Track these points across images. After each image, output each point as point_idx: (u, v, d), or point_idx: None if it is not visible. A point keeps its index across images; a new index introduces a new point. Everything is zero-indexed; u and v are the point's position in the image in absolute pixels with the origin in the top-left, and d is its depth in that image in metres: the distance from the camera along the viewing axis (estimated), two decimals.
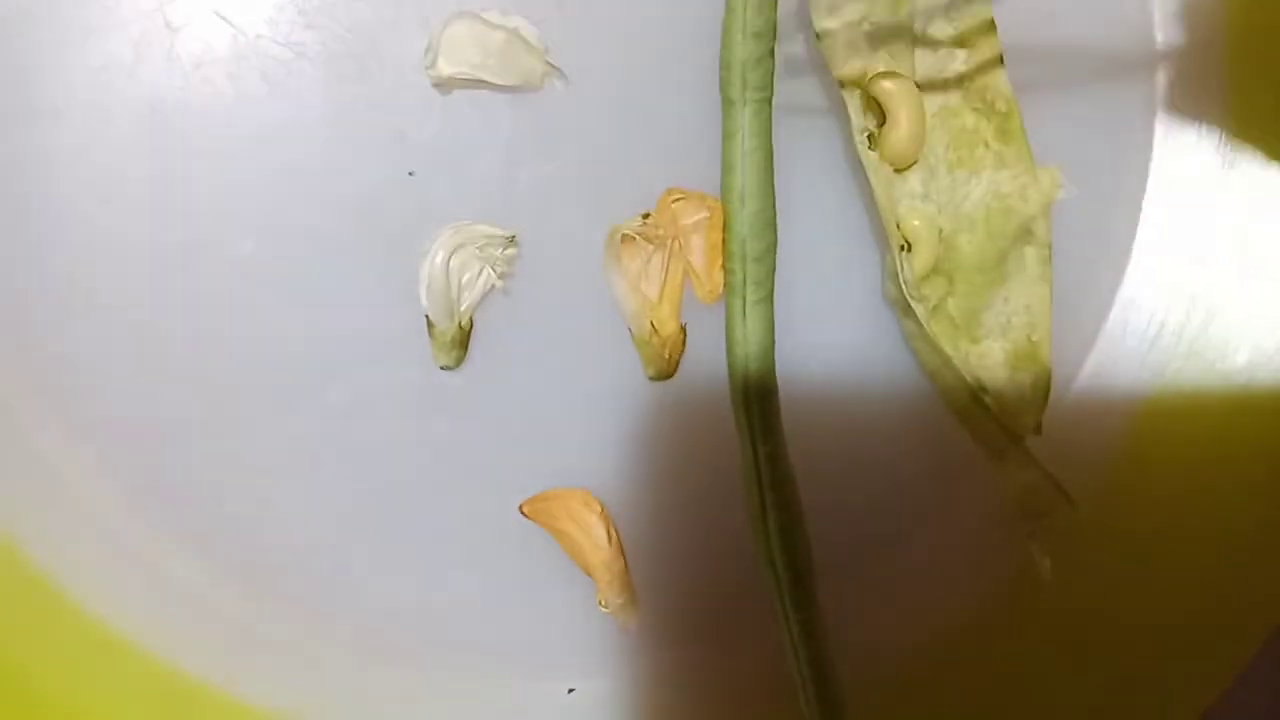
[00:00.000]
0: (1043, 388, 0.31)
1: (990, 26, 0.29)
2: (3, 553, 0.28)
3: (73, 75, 0.28)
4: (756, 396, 0.29)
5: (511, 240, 0.29)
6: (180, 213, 0.28)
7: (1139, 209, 0.32)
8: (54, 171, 0.28)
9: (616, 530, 0.30)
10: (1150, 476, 0.31)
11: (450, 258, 0.28)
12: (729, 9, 0.28)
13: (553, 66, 0.29)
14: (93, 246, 0.28)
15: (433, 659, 0.30)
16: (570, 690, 0.30)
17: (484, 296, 0.29)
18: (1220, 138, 0.31)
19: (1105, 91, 0.31)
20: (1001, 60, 0.29)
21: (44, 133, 0.28)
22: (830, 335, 0.31)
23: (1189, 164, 0.32)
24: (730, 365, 0.30)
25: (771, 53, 0.29)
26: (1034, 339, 0.30)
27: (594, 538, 0.29)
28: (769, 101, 0.29)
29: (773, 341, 0.30)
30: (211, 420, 0.29)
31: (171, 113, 0.28)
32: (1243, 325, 0.31)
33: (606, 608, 0.30)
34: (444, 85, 0.29)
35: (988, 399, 0.30)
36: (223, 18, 0.28)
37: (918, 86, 0.29)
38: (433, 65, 0.28)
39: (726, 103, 0.29)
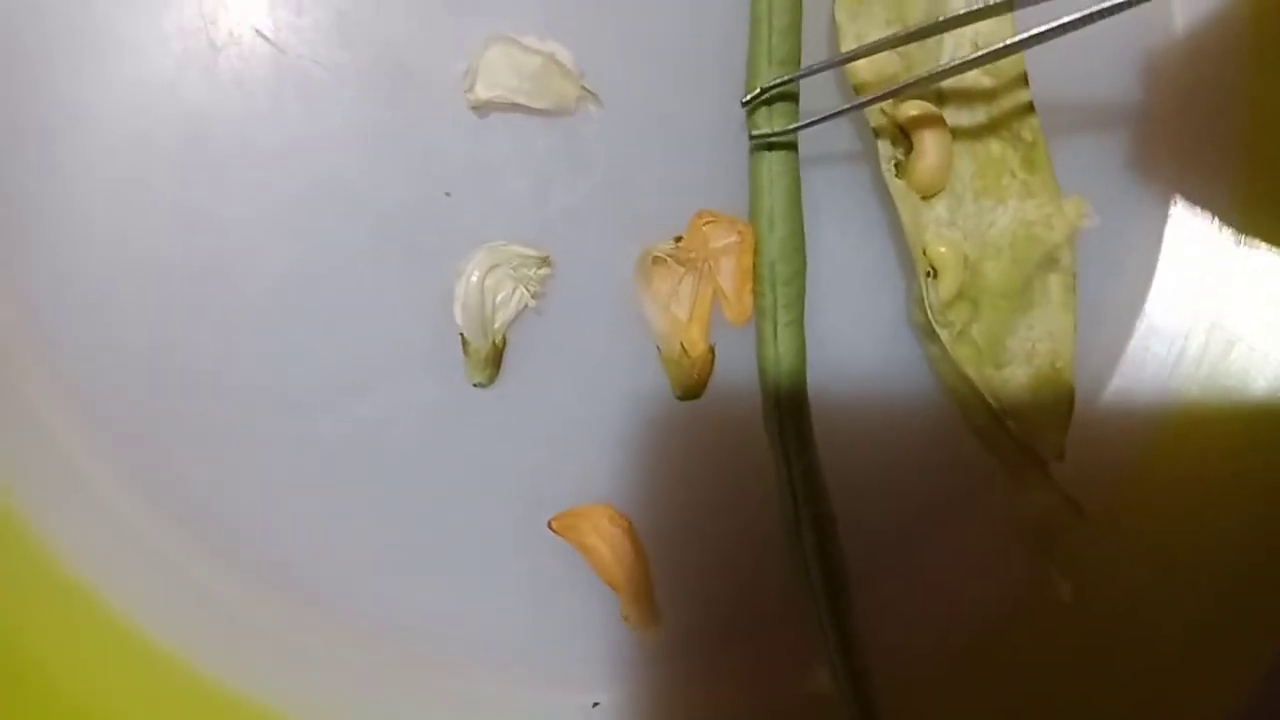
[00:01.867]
0: (1065, 413, 0.31)
1: (1019, 63, 0.30)
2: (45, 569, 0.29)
3: (115, 90, 0.29)
4: (790, 416, 0.30)
5: (545, 260, 0.29)
6: (217, 226, 0.29)
7: (1160, 237, 0.32)
8: (93, 182, 0.29)
9: (641, 546, 0.30)
10: (1168, 497, 0.32)
11: (485, 277, 0.29)
12: (754, 37, 0.29)
13: (587, 91, 0.29)
14: (131, 257, 0.29)
15: (460, 669, 0.30)
16: (595, 704, 0.31)
17: (517, 315, 0.30)
18: (1238, 170, 0.32)
19: (1128, 123, 0.32)
20: (1028, 90, 0.30)
21: (86, 143, 0.29)
22: (857, 358, 0.31)
23: (1208, 194, 0.32)
24: (763, 385, 0.30)
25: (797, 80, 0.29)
26: (1057, 365, 0.31)
27: (619, 553, 0.30)
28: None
29: (804, 363, 0.30)
30: (248, 432, 0.29)
31: (211, 128, 0.29)
32: (1262, 353, 0.32)
33: (630, 622, 0.30)
34: (481, 108, 0.29)
35: (1010, 423, 0.31)
36: (264, 37, 0.29)
37: (944, 116, 0.29)
38: (470, 89, 0.29)
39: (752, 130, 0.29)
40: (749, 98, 0.29)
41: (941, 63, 0.29)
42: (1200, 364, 0.32)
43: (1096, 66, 0.32)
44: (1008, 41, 0.26)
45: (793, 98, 0.29)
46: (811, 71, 0.28)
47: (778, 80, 0.28)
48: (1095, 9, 0.24)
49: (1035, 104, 0.30)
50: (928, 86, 0.29)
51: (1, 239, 0.29)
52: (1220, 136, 0.32)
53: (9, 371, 0.29)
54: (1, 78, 0.28)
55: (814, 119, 0.29)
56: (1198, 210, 0.32)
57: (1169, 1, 0.32)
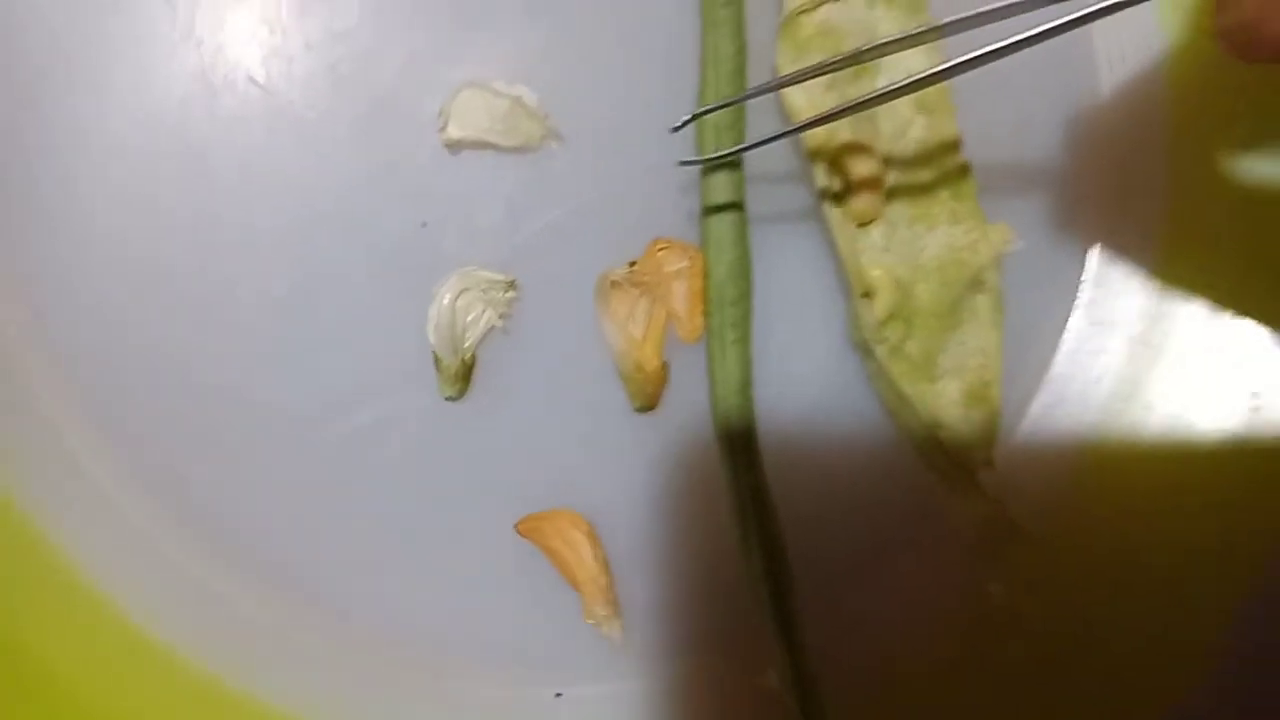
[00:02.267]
0: (994, 425, 0.33)
1: (946, 93, 0.33)
2: (48, 562, 0.31)
3: (123, 129, 0.32)
4: (738, 431, 0.32)
5: (511, 284, 0.32)
6: (216, 250, 0.32)
7: (1084, 262, 0.35)
8: (108, 205, 0.32)
9: (602, 549, 0.33)
10: (1098, 506, 0.34)
11: (456, 299, 0.32)
12: (702, 80, 0.32)
13: (551, 130, 0.32)
14: (138, 275, 0.32)
15: (430, 661, 0.33)
16: (558, 695, 0.33)
17: (486, 334, 0.32)
18: (1162, 199, 0.35)
19: (1056, 155, 0.34)
20: (955, 125, 0.33)
21: (101, 171, 0.32)
22: (801, 374, 0.34)
23: (1132, 220, 0.35)
24: (713, 402, 0.33)
25: (741, 119, 0.32)
26: (986, 379, 0.33)
27: (581, 555, 0.32)
28: (739, 164, 0.32)
29: (750, 379, 0.33)
30: (244, 437, 0.32)
31: (213, 160, 0.32)
32: (1181, 371, 0.34)
33: (592, 620, 0.33)
34: (454, 146, 0.32)
35: (942, 434, 0.33)
36: (257, 83, 0.32)
37: (879, 150, 0.32)
38: (444, 129, 0.32)
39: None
40: (680, 122, 0.30)
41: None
42: (1123, 380, 0.34)
43: (1027, 117, 0.34)
44: (938, 68, 0.27)
45: (735, 128, 0.32)
46: (743, 99, 0.31)
47: (713, 106, 0.31)
48: (1020, 37, 0.26)
49: (965, 141, 0.33)
50: (860, 112, 0.32)
51: (22, 256, 0.32)
52: (1142, 172, 0.35)
53: (23, 380, 0.32)
54: (28, 110, 0.32)
55: (726, 152, 0.31)
56: (1121, 235, 0.35)
57: (1094, 68, 0.35)
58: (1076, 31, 0.25)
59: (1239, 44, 0.26)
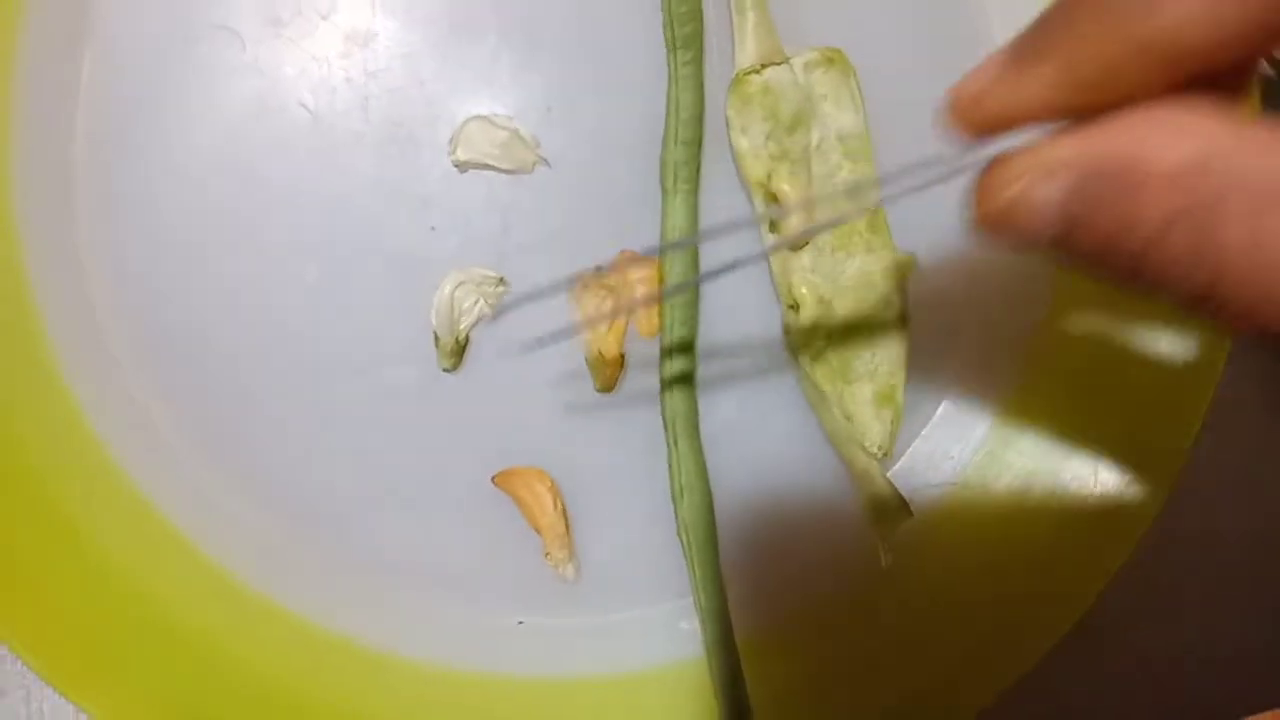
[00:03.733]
0: (896, 421, 0.40)
1: (867, 151, 0.39)
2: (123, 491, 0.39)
3: (194, 143, 0.38)
4: (680, 413, 0.39)
5: (501, 280, 0.39)
6: (263, 249, 0.39)
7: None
8: (179, 214, 0.39)
9: (563, 501, 0.39)
10: (973, 493, 0.40)
11: (455, 290, 0.39)
12: (666, 123, 0.39)
13: (541, 157, 0.39)
14: (203, 271, 0.39)
15: (413, 584, 0.39)
16: (520, 622, 0.40)
17: (477, 320, 0.39)
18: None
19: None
20: (873, 169, 0.39)
21: (172, 185, 0.38)
22: (739, 372, 0.40)
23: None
24: (661, 385, 0.40)
25: (698, 156, 0.39)
26: (892, 383, 0.40)
27: (544, 505, 0.39)
28: (694, 192, 0.39)
29: (694, 370, 0.39)
30: (279, 397, 0.39)
31: (263, 173, 0.39)
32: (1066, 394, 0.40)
33: (551, 561, 0.40)
34: (461, 167, 0.39)
35: (854, 427, 0.39)
36: (306, 109, 0.39)
37: (809, 189, 0.39)
38: (454, 152, 0.39)
39: (663, 191, 0.39)
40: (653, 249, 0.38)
41: (811, 146, 0.39)
42: (1013, 389, 0.41)
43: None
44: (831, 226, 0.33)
45: (691, 164, 0.39)
46: (698, 239, 0.38)
47: (678, 242, 0.38)
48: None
49: (881, 183, 0.39)
50: (793, 154, 0.38)
51: (110, 248, 0.39)
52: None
53: (108, 346, 0.39)
54: (120, 128, 0.39)
55: (685, 282, 0.39)
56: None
57: None
58: None
59: (972, 124, 0.23)
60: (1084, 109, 0.21)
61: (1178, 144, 0.19)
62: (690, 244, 0.38)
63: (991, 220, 0.23)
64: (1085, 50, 0.20)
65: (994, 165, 0.23)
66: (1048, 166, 0.21)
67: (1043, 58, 0.21)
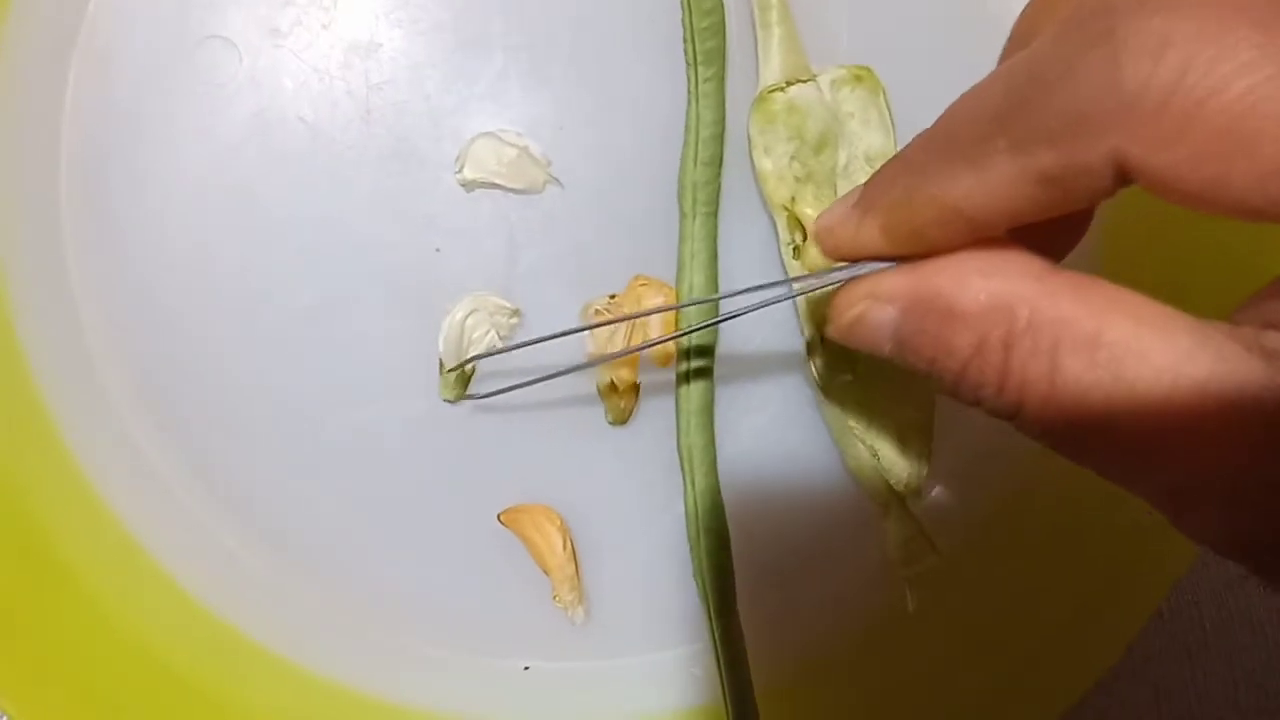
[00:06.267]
0: (925, 459, 0.38)
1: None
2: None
3: (191, 157, 0.37)
4: (698, 446, 0.37)
5: (516, 312, 0.37)
6: (258, 268, 0.37)
7: None
8: (174, 232, 0.37)
9: (573, 541, 0.37)
10: (1002, 538, 0.39)
11: (467, 317, 0.37)
12: (685, 142, 0.37)
13: (552, 176, 0.37)
14: (197, 290, 0.37)
15: (415, 628, 0.37)
16: (526, 667, 0.38)
17: (487, 351, 0.37)
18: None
19: None
20: None
21: (168, 200, 0.37)
22: (758, 405, 0.38)
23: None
24: (677, 420, 0.38)
25: (718, 177, 0.37)
26: (920, 419, 0.38)
27: (553, 545, 0.37)
28: (714, 215, 0.37)
29: (711, 403, 0.37)
30: (275, 427, 0.37)
31: (261, 190, 0.37)
32: None
33: (560, 603, 0.38)
34: (468, 185, 0.37)
35: (879, 463, 0.37)
36: (305, 122, 0.37)
37: None
38: (460, 170, 0.37)
39: (681, 214, 0.37)
40: (670, 337, 0.36)
41: (838, 168, 0.37)
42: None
43: None
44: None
45: (712, 184, 0.37)
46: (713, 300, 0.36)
47: (690, 300, 0.36)
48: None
49: None
50: (818, 176, 0.36)
51: (101, 268, 0.37)
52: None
53: (96, 369, 0.37)
54: (118, 142, 0.37)
55: (703, 325, 0.36)
56: None
57: None
58: None
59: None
60: (906, 255, 0.25)
61: (985, 286, 0.22)
62: (709, 301, 0.36)
63: (840, 332, 0.27)
64: (899, 214, 0.24)
65: (843, 288, 0.27)
66: (880, 296, 0.25)
67: (870, 212, 0.25)
